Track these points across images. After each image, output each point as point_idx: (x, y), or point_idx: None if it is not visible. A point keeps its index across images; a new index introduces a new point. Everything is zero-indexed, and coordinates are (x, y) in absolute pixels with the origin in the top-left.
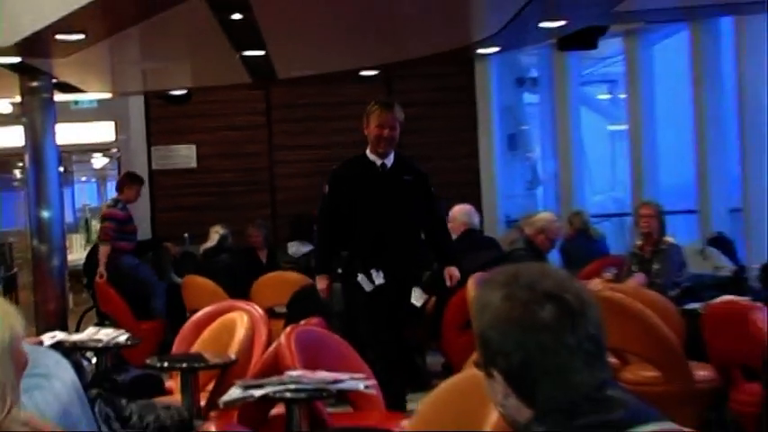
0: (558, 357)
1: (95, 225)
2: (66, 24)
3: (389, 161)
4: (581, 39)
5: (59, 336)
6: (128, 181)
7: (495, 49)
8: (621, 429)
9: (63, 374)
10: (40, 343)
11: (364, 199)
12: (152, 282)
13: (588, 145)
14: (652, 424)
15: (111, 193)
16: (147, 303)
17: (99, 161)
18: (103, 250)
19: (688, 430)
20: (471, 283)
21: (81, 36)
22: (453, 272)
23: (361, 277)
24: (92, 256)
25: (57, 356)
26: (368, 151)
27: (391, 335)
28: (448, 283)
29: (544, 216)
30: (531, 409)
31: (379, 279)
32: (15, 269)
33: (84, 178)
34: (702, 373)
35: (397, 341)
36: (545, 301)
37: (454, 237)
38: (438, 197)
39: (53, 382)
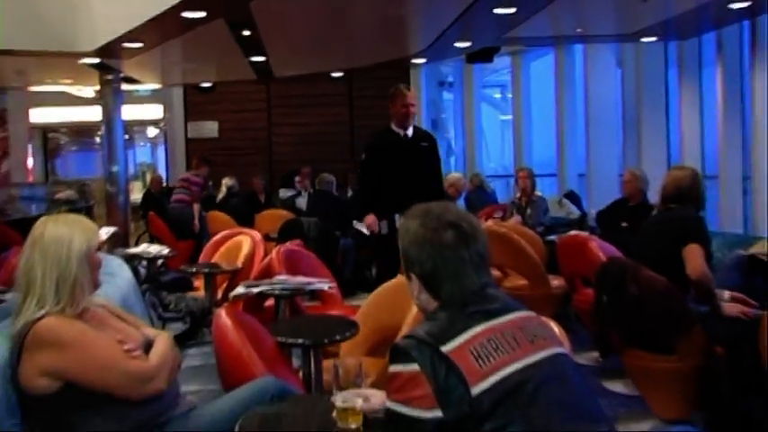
0: (456, 266)
1: (148, 176)
2: (130, 36)
3: (410, 133)
4: (482, 55)
5: (112, 230)
6: (202, 161)
7: (424, 60)
8: (499, 314)
9: (124, 274)
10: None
11: (393, 161)
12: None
13: (486, 129)
14: (518, 311)
15: (161, 154)
16: (184, 229)
17: (151, 131)
18: (196, 207)
19: (543, 318)
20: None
21: (140, 44)
22: None
23: (382, 223)
24: (146, 197)
25: (119, 261)
26: (392, 125)
27: None
28: None
29: (454, 175)
30: (437, 301)
31: (400, 221)
32: (93, 202)
33: (141, 144)
34: (556, 282)
35: None
36: (447, 227)
37: None
38: (440, 160)
39: (117, 279)
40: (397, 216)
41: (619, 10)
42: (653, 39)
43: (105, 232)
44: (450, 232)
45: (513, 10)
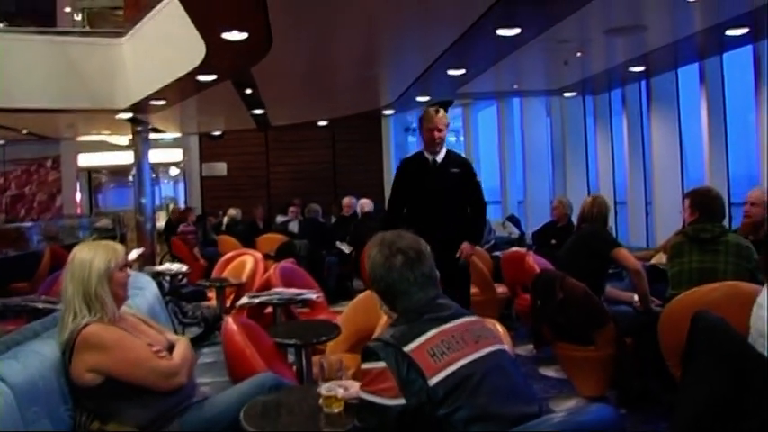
0: (404, 285)
1: (171, 206)
2: (155, 96)
3: (440, 157)
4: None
5: (141, 251)
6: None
7: (392, 111)
8: (450, 320)
9: (150, 288)
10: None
11: (419, 186)
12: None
13: None
14: (465, 317)
15: (181, 189)
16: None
17: (173, 171)
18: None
19: (489, 320)
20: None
21: (164, 102)
22: (465, 246)
23: None
24: (168, 224)
25: (147, 278)
26: (423, 149)
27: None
28: (458, 254)
29: None
30: (395, 312)
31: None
32: (125, 230)
33: (165, 181)
34: (501, 289)
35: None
36: (397, 253)
37: (360, 216)
38: (479, 185)
39: (145, 293)
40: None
41: (546, 71)
42: (573, 94)
43: (135, 253)
44: (400, 257)
45: (462, 71)
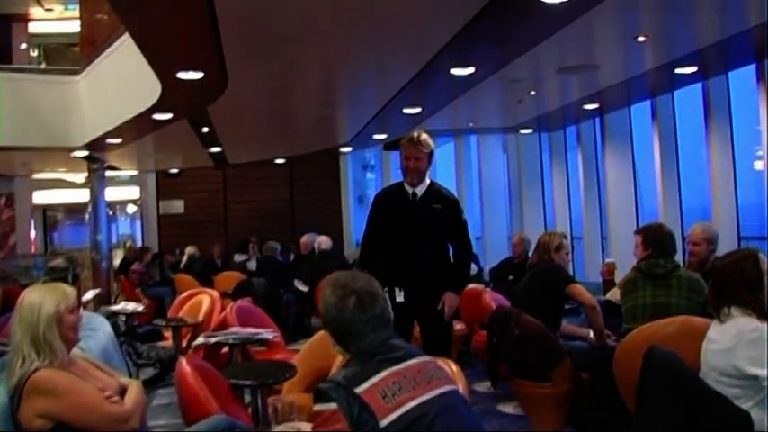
0: (356, 327)
1: (128, 244)
2: (111, 134)
3: (421, 190)
4: (396, 144)
5: (96, 291)
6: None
7: (349, 149)
8: (402, 360)
9: (104, 329)
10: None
11: (395, 223)
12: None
13: None
14: (418, 357)
15: (138, 227)
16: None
17: (131, 208)
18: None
19: (443, 360)
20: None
21: (120, 140)
22: (448, 298)
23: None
24: (122, 262)
25: (101, 318)
26: (404, 181)
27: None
28: (440, 306)
29: None
30: (347, 353)
31: (400, 297)
32: (78, 270)
33: (123, 218)
34: (459, 326)
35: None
36: (350, 294)
37: (317, 254)
38: (464, 225)
39: (98, 334)
40: (396, 290)
41: (502, 109)
42: (529, 131)
43: (91, 294)
44: (353, 299)
45: (418, 110)
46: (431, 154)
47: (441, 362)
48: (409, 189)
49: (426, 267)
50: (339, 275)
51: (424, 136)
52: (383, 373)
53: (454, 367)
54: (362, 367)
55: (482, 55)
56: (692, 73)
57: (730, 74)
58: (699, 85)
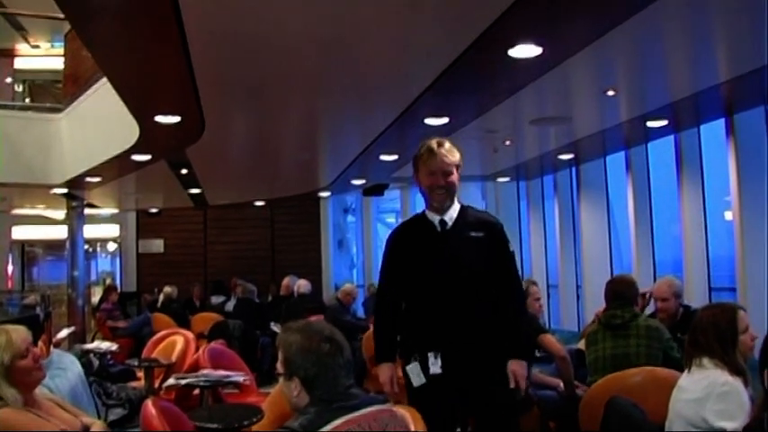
0: (333, 371)
1: (108, 281)
2: (91, 173)
3: (452, 216)
4: (375, 189)
5: (71, 330)
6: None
7: (328, 193)
8: (358, 408)
9: (74, 368)
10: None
11: (421, 266)
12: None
13: (383, 246)
14: (374, 406)
15: (117, 264)
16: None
17: (111, 246)
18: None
19: (402, 408)
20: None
21: (100, 179)
22: (516, 370)
23: (411, 366)
24: (101, 301)
25: (71, 357)
26: (426, 209)
27: None
28: (511, 384)
29: (346, 287)
30: (310, 398)
31: (435, 367)
32: (50, 309)
33: (103, 255)
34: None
35: None
36: (326, 341)
37: (295, 297)
38: (512, 258)
39: (67, 373)
40: (431, 355)
41: (479, 157)
42: (507, 179)
43: (65, 332)
44: (328, 345)
45: (395, 157)
46: (459, 165)
47: (402, 409)
48: (434, 217)
49: (471, 321)
50: (308, 322)
51: (448, 143)
52: (338, 421)
53: (417, 414)
54: (319, 415)
55: (456, 106)
56: (664, 126)
57: (702, 126)
58: (671, 138)
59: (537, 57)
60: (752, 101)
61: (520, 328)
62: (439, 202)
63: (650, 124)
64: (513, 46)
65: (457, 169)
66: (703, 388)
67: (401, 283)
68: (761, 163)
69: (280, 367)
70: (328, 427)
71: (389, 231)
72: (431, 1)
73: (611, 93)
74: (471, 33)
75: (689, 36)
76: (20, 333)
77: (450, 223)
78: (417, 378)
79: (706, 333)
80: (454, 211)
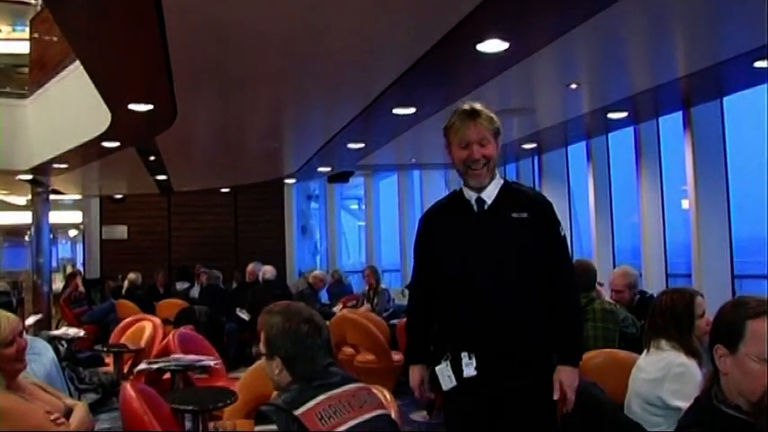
0: (312, 351)
1: (69, 268)
2: (57, 159)
3: (491, 194)
4: (340, 176)
5: (38, 317)
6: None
7: (293, 180)
8: (338, 386)
9: (47, 353)
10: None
11: (454, 251)
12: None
13: (348, 233)
14: (352, 383)
15: (80, 251)
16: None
17: (72, 232)
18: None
19: (378, 387)
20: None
21: (65, 165)
22: (565, 376)
23: (441, 367)
24: (63, 288)
25: (44, 343)
26: (462, 185)
27: None
28: (555, 395)
29: (317, 272)
30: (291, 377)
31: (469, 369)
32: (23, 295)
33: (64, 241)
34: (397, 357)
35: None
36: (304, 322)
37: (261, 283)
38: (563, 244)
39: (42, 358)
40: (465, 357)
41: (442, 145)
42: None
43: (32, 319)
44: (306, 326)
45: (361, 145)
46: (498, 131)
47: (374, 389)
48: (472, 195)
49: (512, 317)
50: (288, 304)
51: (482, 106)
52: (320, 398)
53: (388, 395)
54: (301, 392)
55: (423, 97)
56: (624, 117)
57: (660, 118)
58: (631, 129)
59: (504, 51)
60: (708, 95)
61: (573, 328)
62: (476, 179)
63: (611, 116)
64: (481, 41)
65: (495, 138)
66: (660, 369)
67: (434, 271)
68: (716, 154)
69: (262, 348)
70: (311, 403)
71: (424, 212)
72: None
73: (573, 86)
74: (441, 28)
75: (649, 33)
76: (9, 321)
77: (488, 202)
78: (447, 380)
79: (664, 316)
80: (494, 187)
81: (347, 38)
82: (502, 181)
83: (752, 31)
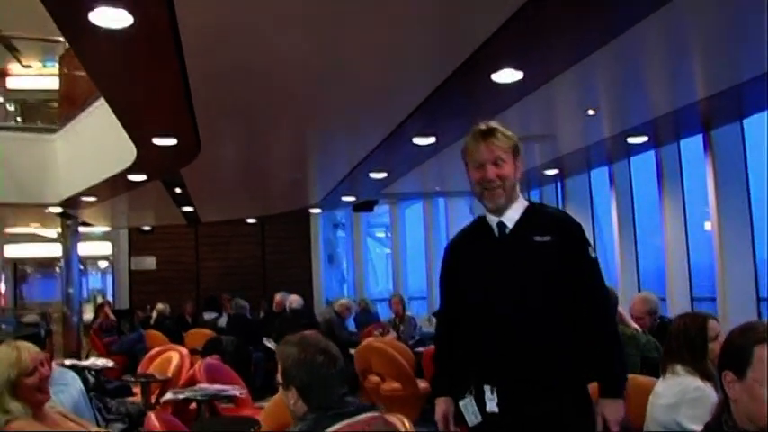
0: (327, 381)
1: (99, 299)
2: (87, 192)
3: (512, 218)
4: (365, 205)
5: (73, 361)
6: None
7: (319, 210)
8: (352, 415)
9: (75, 384)
10: (62, 363)
11: (475, 279)
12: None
13: (376, 260)
14: (368, 412)
15: (109, 282)
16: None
17: (102, 264)
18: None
19: (395, 416)
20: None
21: (95, 198)
22: (608, 410)
23: (465, 402)
24: (93, 319)
25: (72, 373)
26: (485, 211)
27: None
28: (598, 429)
29: (343, 301)
30: (308, 407)
31: (491, 404)
32: (52, 326)
33: (94, 273)
34: (423, 384)
35: None
36: (320, 352)
37: (288, 313)
38: (594, 268)
39: (70, 389)
40: (487, 390)
41: (464, 173)
42: None
43: (68, 362)
44: (322, 357)
45: (384, 174)
46: (516, 149)
47: (392, 417)
48: (493, 219)
49: (537, 348)
50: (303, 335)
51: (497, 124)
52: (335, 427)
53: (407, 423)
54: (317, 422)
55: (443, 126)
56: (644, 142)
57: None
58: (652, 152)
59: (518, 81)
60: (728, 117)
61: (611, 357)
62: (492, 201)
63: (631, 140)
64: (495, 71)
65: (515, 157)
66: (675, 394)
67: (458, 299)
68: (738, 176)
69: (279, 378)
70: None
71: (455, 235)
72: (417, 29)
73: (591, 112)
74: (456, 59)
75: (667, 56)
76: (30, 351)
77: (510, 226)
78: (472, 417)
79: (678, 340)
80: (517, 210)
81: (367, 69)
82: (526, 203)
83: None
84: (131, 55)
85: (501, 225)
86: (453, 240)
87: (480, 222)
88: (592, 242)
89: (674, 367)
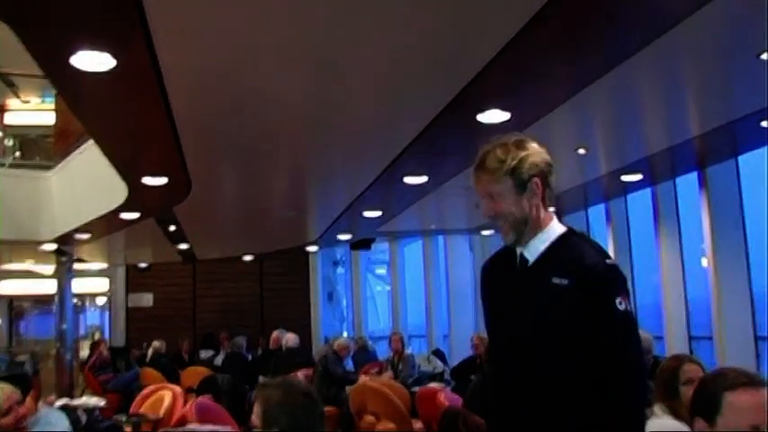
0: (309, 424)
1: (96, 335)
2: (80, 229)
3: (535, 252)
4: (362, 243)
5: (64, 400)
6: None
7: (316, 248)
8: None
9: (61, 425)
10: (52, 402)
11: (496, 316)
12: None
13: (377, 297)
14: None
15: (106, 319)
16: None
17: (100, 300)
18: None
19: None
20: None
21: (89, 235)
22: None
23: None
24: (89, 357)
25: (58, 413)
26: None
27: None
28: None
29: (341, 340)
30: None
31: None
32: (39, 365)
33: (92, 309)
34: (418, 425)
35: None
36: (303, 395)
37: (284, 351)
38: (621, 326)
39: (54, 428)
40: None
41: (463, 211)
42: (491, 231)
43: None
44: (304, 399)
45: (378, 213)
46: (514, 172)
47: None
48: (518, 249)
49: (543, 412)
50: (286, 379)
51: (489, 148)
52: None
53: None
54: None
55: (433, 166)
56: (639, 180)
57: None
58: (648, 190)
59: (504, 122)
60: (723, 154)
61: (618, 422)
62: (503, 238)
63: (625, 178)
64: (481, 111)
65: (516, 180)
66: None
67: (491, 331)
68: (733, 213)
69: (255, 420)
70: None
71: (484, 265)
72: (405, 71)
73: (582, 151)
74: (443, 99)
75: (659, 94)
76: (5, 391)
77: (531, 259)
78: None
79: (656, 381)
80: (543, 241)
81: (356, 110)
82: (560, 232)
83: (759, 93)
84: (116, 97)
85: (522, 259)
86: (483, 268)
87: (507, 249)
88: None
89: (653, 408)
